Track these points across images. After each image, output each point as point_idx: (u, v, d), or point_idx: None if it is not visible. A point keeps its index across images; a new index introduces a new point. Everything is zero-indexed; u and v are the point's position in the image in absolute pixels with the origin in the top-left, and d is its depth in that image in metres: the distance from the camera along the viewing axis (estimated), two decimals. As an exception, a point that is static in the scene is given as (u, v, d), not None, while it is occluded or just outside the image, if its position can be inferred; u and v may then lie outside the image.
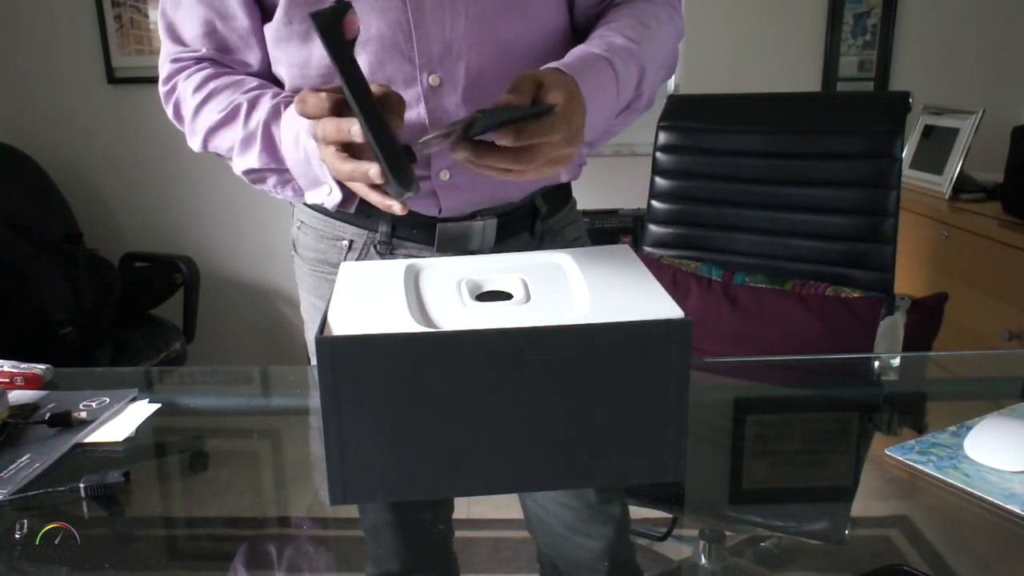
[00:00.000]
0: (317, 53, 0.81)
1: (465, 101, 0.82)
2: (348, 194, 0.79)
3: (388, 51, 0.79)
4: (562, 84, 0.69)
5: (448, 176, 0.84)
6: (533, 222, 0.93)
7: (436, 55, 0.80)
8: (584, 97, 0.71)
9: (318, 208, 0.91)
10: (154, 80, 0.91)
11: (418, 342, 0.55)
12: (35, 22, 2.52)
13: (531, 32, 0.84)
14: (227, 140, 0.83)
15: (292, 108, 0.78)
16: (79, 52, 2.53)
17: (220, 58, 0.86)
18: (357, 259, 0.90)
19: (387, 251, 0.89)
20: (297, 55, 0.82)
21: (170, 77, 0.87)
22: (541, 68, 0.73)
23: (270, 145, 0.81)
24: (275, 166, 0.82)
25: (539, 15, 0.84)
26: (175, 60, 0.87)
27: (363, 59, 0.80)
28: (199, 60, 0.86)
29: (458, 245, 0.88)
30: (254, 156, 0.82)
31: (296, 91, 0.84)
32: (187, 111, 0.86)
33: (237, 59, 0.87)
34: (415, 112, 0.81)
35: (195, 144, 0.87)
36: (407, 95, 0.81)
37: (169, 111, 0.88)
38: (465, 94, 0.81)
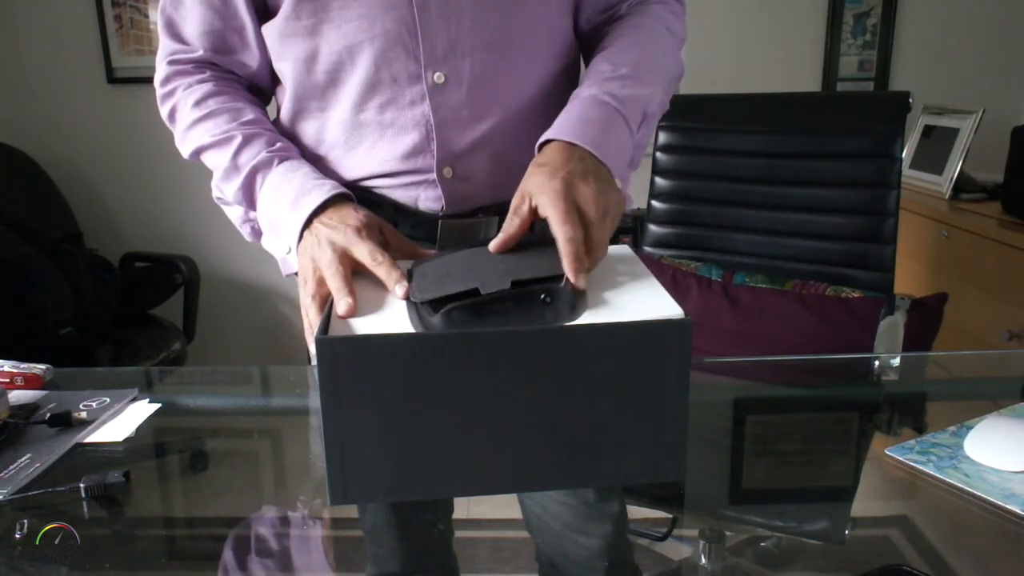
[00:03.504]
0: (325, 48, 0.81)
1: (469, 99, 0.82)
2: None
3: (393, 48, 0.79)
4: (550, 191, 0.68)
5: (451, 173, 0.84)
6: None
7: (441, 53, 0.80)
8: (600, 152, 0.73)
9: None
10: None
11: (418, 342, 0.55)
12: (35, 22, 2.51)
13: (535, 31, 0.84)
14: (213, 161, 0.85)
15: (282, 171, 0.80)
16: (79, 52, 2.52)
17: (219, 60, 0.86)
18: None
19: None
20: (303, 50, 0.82)
21: (168, 79, 0.87)
22: (535, 161, 0.72)
23: (248, 188, 0.83)
24: (245, 206, 0.85)
25: (542, 15, 0.84)
26: (173, 61, 0.86)
27: (368, 56, 0.80)
28: (198, 64, 0.86)
29: (460, 243, 0.88)
30: (231, 189, 0.84)
31: (301, 87, 0.84)
32: (182, 121, 0.86)
33: (236, 60, 0.87)
34: (420, 110, 0.82)
35: (183, 152, 0.88)
36: (411, 92, 0.81)
37: (163, 112, 0.88)
38: (469, 91, 0.82)
